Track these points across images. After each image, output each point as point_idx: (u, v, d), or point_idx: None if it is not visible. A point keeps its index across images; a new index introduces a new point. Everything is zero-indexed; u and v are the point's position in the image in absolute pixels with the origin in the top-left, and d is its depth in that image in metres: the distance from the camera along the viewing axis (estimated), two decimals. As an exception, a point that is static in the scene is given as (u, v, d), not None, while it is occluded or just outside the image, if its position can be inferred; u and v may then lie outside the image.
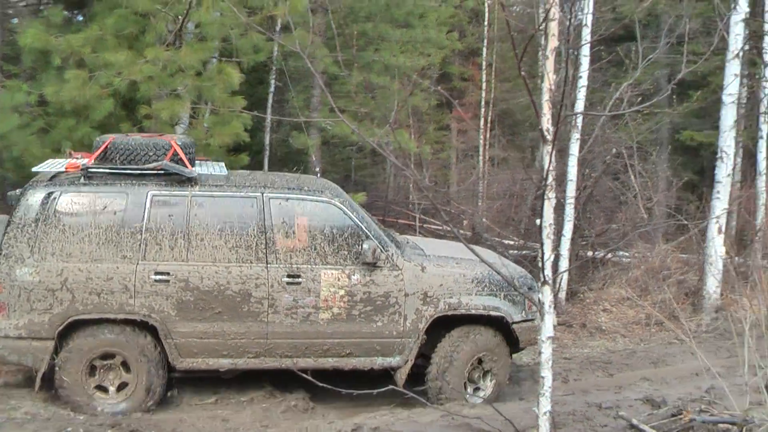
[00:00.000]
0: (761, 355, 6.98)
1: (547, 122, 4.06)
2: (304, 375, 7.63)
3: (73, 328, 8.29)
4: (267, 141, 18.13)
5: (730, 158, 14.48)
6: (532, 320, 9.27)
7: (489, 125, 22.30)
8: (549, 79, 4.19)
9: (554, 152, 4.32)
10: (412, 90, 16.29)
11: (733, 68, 14.41)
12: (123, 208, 8.35)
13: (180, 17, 12.20)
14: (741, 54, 14.78)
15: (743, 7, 14.30)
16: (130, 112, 12.35)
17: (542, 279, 4.22)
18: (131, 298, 8.30)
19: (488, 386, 9.29)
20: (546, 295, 4.23)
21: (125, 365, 8.41)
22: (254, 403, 8.93)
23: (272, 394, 9.05)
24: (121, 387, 8.44)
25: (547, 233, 4.29)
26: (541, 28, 4.24)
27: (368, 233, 8.84)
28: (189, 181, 8.57)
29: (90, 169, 8.45)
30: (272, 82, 17.29)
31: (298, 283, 8.64)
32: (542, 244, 4.21)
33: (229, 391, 9.10)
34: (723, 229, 14.41)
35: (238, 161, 12.70)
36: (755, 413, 6.43)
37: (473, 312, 9.09)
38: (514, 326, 9.24)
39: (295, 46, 13.59)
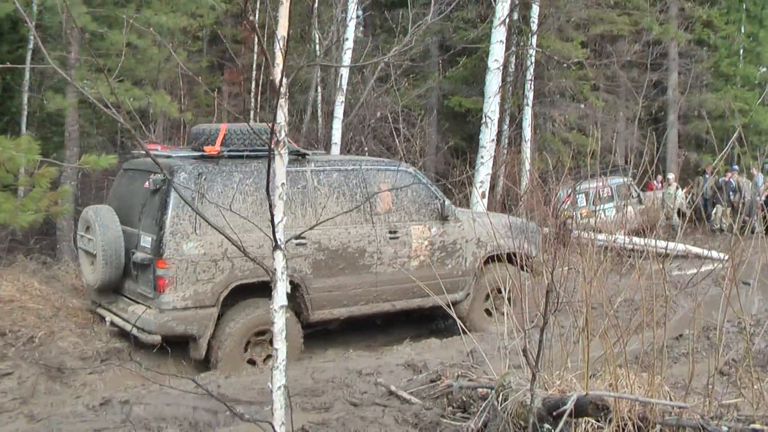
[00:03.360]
0: (521, 318, 7.03)
1: (279, 73, 3.78)
2: None
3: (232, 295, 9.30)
4: (25, 102, 17.10)
5: (494, 123, 14.79)
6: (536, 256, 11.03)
7: (261, 88, 21.97)
8: (283, 28, 3.91)
9: (287, 105, 4.03)
10: (174, 49, 15.64)
11: (498, 35, 14.68)
12: (260, 184, 9.29)
13: None
14: (507, 21, 15.05)
15: (510, -26, 14.57)
16: None
17: (274, 244, 3.93)
18: None
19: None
20: (278, 261, 3.94)
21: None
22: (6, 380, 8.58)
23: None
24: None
25: (279, 194, 4.00)
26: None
27: (436, 192, 11.08)
28: (304, 158, 10.12)
29: (228, 152, 9.59)
30: (31, 39, 16.20)
31: (397, 238, 10.52)
32: (271, 206, 3.92)
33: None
34: (486, 193, 14.69)
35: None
36: (512, 377, 6.42)
37: (509, 251, 10.55)
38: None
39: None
